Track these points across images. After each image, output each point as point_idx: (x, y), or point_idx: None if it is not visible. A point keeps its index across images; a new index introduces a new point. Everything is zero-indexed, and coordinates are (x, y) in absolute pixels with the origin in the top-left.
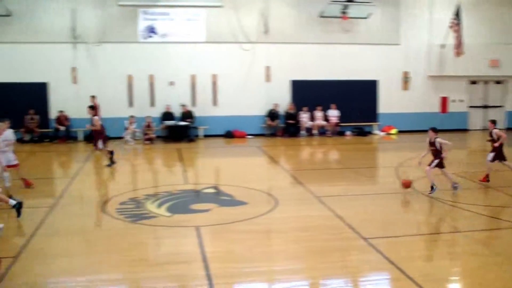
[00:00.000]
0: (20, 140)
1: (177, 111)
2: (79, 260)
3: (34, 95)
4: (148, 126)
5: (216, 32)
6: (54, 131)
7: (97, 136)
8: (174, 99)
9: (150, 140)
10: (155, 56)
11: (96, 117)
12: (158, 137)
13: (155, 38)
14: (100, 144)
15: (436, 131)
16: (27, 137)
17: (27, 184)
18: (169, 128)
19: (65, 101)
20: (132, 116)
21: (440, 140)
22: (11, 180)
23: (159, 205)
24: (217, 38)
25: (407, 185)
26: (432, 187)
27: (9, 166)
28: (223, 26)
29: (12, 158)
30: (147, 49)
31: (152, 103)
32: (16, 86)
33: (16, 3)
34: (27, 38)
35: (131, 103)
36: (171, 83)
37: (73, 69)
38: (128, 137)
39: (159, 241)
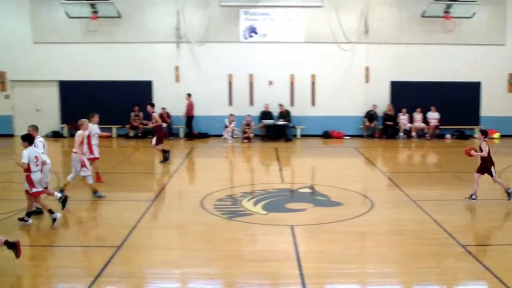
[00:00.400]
0: (125, 136)
1: (275, 111)
2: (176, 253)
3: (139, 92)
4: (248, 125)
5: (315, 32)
6: None
7: (154, 133)
8: (272, 99)
9: (248, 138)
10: (255, 56)
11: (155, 114)
12: (256, 136)
13: (255, 38)
14: (153, 140)
15: None
16: (131, 133)
17: (98, 180)
18: (267, 127)
19: (168, 99)
20: (231, 115)
21: None
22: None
23: (255, 203)
24: (316, 38)
25: (468, 152)
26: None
27: (92, 159)
28: (323, 26)
29: (96, 151)
30: (248, 48)
31: (251, 102)
32: (123, 84)
33: (125, 5)
34: (135, 38)
35: (230, 102)
36: (270, 83)
37: (176, 68)
38: (227, 135)
39: (254, 238)
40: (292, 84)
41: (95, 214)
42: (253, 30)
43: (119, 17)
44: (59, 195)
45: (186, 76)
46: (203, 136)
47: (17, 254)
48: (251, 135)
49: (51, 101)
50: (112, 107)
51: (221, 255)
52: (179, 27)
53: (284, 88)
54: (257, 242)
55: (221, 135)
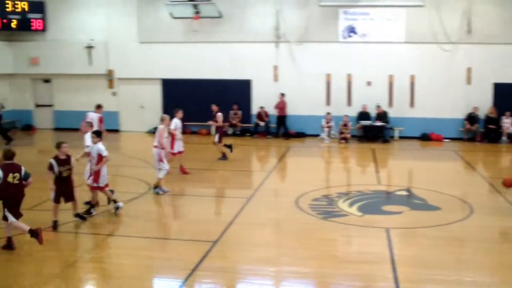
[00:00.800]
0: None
1: (373, 111)
2: (271, 251)
3: (239, 91)
4: (345, 125)
5: (416, 32)
6: (254, 126)
7: (218, 130)
8: (370, 99)
9: (345, 139)
10: (354, 56)
11: (220, 114)
12: (353, 136)
13: (354, 38)
14: (216, 137)
15: None
16: (230, 131)
17: (184, 172)
18: (365, 128)
19: (266, 98)
20: (328, 113)
21: None
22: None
23: (351, 204)
24: (416, 38)
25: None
26: None
27: (178, 153)
28: (423, 26)
29: (181, 145)
30: (346, 48)
31: (349, 103)
32: (223, 82)
33: (226, 5)
34: (235, 38)
35: (328, 102)
36: (369, 83)
37: (275, 67)
38: (324, 135)
39: (348, 239)
40: (390, 84)
41: (193, 209)
42: (352, 30)
43: (220, 17)
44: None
45: (284, 75)
46: (300, 135)
47: (39, 240)
48: (348, 135)
49: (154, 98)
50: (212, 105)
51: (315, 255)
52: (278, 27)
53: (382, 88)
54: (351, 243)
55: (318, 135)
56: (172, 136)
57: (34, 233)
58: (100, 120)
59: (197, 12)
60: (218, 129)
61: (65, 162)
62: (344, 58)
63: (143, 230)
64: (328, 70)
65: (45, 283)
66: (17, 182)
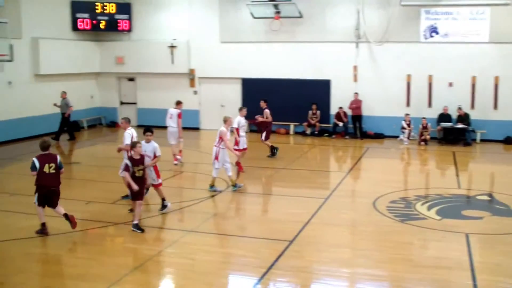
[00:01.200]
0: (302, 133)
1: (454, 113)
2: (347, 252)
3: (317, 91)
4: (424, 127)
5: (501, 32)
6: (332, 126)
7: (264, 128)
8: (452, 101)
9: (425, 141)
10: (435, 56)
11: (267, 110)
12: (433, 138)
13: (436, 38)
14: (263, 135)
15: None
16: (308, 130)
17: (240, 169)
18: (445, 130)
19: (345, 98)
20: (407, 114)
21: None
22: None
23: (429, 208)
24: (501, 37)
25: None
26: None
27: (243, 149)
28: (509, 26)
29: (245, 142)
30: (427, 49)
31: (429, 104)
32: (302, 82)
33: (307, 5)
34: (314, 38)
35: (408, 103)
36: (450, 84)
37: (354, 68)
38: (403, 136)
39: (425, 243)
40: (473, 86)
41: (270, 208)
42: (434, 30)
43: (301, 17)
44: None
45: (364, 75)
46: (379, 136)
47: (72, 226)
48: (428, 137)
49: (234, 97)
50: (291, 105)
51: (392, 258)
52: (358, 27)
53: (464, 90)
54: (429, 247)
55: (397, 136)
56: (236, 133)
57: (43, 228)
58: (179, 116)
59: (278, 12)
60: (264, 126)
61: (139, 161)
62: (425, 58)
63: (220, 228)
64: (409, 70)
65: (126, 275)
66: (53, 171)
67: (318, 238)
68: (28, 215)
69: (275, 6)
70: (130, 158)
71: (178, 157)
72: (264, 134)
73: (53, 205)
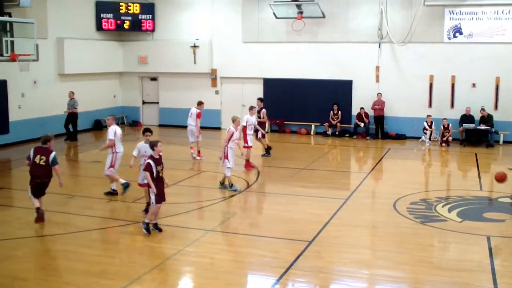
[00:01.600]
0: (323, 134)
1: (477, 115)
2: (367, 253)
3: (339, 92)
4: (446, 128)
5: None
6: (354, 127)
7: (262, 126)
8: (475, 102)
9: (447, 142)
10: (458, 57)
11: (264, 110)
12: (455, 140)
13: (460, 38)
14: (259, 134)
15: None
16: (329, 131)
17: (248, 167)
18: (467, 131)
19: (367, 99)
20: (429, 115)
21: None
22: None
23: (450, 209)
24: None
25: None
26: None
27: (250, 147)
28: None
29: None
30: (451, 49)
31: (452, 105)
32: (324, 82)
33: (330, 5)
34: (337, 38)
35: (430, 104)
36: (473, 85)
37: (377, 68)
38: (425, 137)
39: (446, 245)
40: (497, 86)
41: (290, 208)
42: (458, 30)
43: (323, 17)
44: (123, 180)
45: (386, 76)
46: (400, 137)
47: (36, 220)
48: (450, 138)
49: (256, 97)
50: (312, 105)
51: (412, 260)
52: (381, 27)
53: (487, 91)
54: (449, 249)
55: (419, 137)
56: (244, 131)
57: (38, 212)
58: (198, 115)
59: (301, 12)
60: (262, 125)
61: (159, 161)
62: (448, 59)
63: (240, 227)
64: (431, 71)
65: (146, 273)
66: (42, 164)
67: (338, 238)
68: (49, 213)
69: (298, 6)
70: (152, 158)
71: (197, 157)
72: (260, 132)
73: (42, 194)
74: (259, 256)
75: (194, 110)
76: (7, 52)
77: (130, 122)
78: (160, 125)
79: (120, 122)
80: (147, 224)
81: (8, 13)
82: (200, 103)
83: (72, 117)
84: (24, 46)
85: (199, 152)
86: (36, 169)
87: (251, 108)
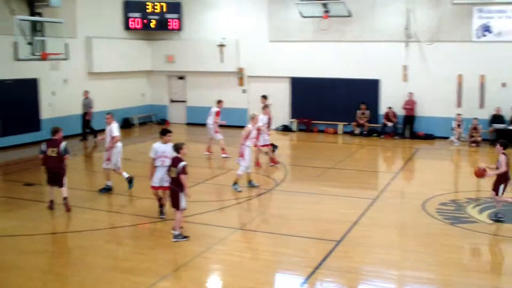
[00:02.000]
0: (350, 133)
1: (507, 114)
2: (395, 254)
3: (366, 91)
4: (475, 128)
5: None
6: (381, 126)
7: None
8: (505, 101)
9: (476, 142)
10: (488, 56)
11: (268, 109)
12: (484, 140)
13: (489, 37)
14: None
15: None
16: (357, 130)
17: (274, 162)
18: (497, 131)
19: (394, 98)
20: (459, 115)
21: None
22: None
23: (481, 211)
24: None
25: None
26: None
27: (263, 146)
28: None
29: (267, 138)
30: (480, 48)
31: (481, 105)
32: (351, 82)
33: (357, 4)
34: (363, 37)
35: (459, 103)
36: (503, 85)
37: (404, 67)
38: (453, 137)
39: (476, 247)
40: None
41: (318, 207)
42: (486, 29)
43: (350, 16)
44: (126, 175)
45: (414, 75)
46: (429, 137)
47: (66, 210)
48: (479, 139)
49: (283, 96)
50: (339, 104)
51: (441, 261)
52: (408, 26)
53: None
54: (479, 251)
55: (447, 137)
56: (258, 131)
57: (50, 205)
58: (217, 114)
59: (327, 11)
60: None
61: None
62: (477, 58)
63: (268, 226)
64: (460, 70)
65: (175, 270)
66: (54, 155)
67: (366, 238)
68: (84, 209)
69: (324, 5)
70: (181, 160)
71: (207, 153)
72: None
73: (59, 184)
74: (288, 255)
75: (213, 109)
76: (38, 51)
77: (158, 120)
78: (188, 124)
79: (148, 121)
80: (179, 233)
81: (39, 13)
82: (219, 102)
83: (86, 116)
84: (54, 46)
85: (210, 147)
86: (49, 161)
87: (264, 107)
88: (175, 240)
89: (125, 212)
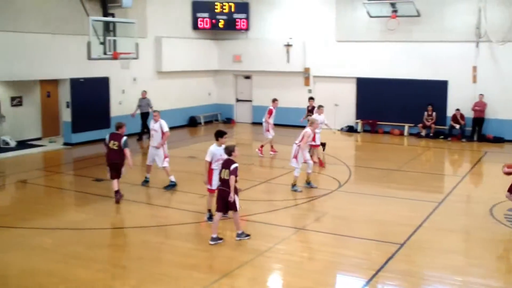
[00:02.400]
0: (416, 135)
1: None
2: (460, 259)
3: (434, 92)
4: None
5: None
6: (449, 128)
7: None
8: None
9: None
10: None
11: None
12: None
13: None
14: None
15: None
16: (423, 132)
17: (321, 165)
18: None
19: (462, 100)
20: None
21: None
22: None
23: None
24: None
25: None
26: None
27: (316, 146)
28: None
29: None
30: None
31: None
32: (418, 82)
33: (425, 4)
34: (432, 37)
35: None
36: None
37: (474, 68)
38: None
39: None
40: None
41: (381, 209)
42: None
43: (418, 15)
44: (173, 178)
45: (484, 76)
46: (498, 140)
47: (116, 201)
48: None
49: (348, 97)
50: (405, 105)
51: (507, 268)
52: (479, 26)
53: None
54: None
55: None
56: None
57: (116, 195)
58: (269, 112)
59: (395, 11)
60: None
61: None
62: None
63: (330, 227)
64: None
65: (237, 268)
66: (115, 148)
67: (430, 243)
68: (148, 205)
69: (392, 4)
70: (232, 162)
71: (271, 152)
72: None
73: (118, 176)
74: (349, 256)
75: (268, 109)
76: (110, 51)
77: (224, 119)
78: (253, 123)
79: (214, 120)
80: (242, 232)
81: (111, 13)
82: (274, 100)
83: (144, 116)
84: (125, 45)
85: (262, 146)
86: (110, 153)
87: (320, 107)
88: (238, 239)
89: (189, 209)
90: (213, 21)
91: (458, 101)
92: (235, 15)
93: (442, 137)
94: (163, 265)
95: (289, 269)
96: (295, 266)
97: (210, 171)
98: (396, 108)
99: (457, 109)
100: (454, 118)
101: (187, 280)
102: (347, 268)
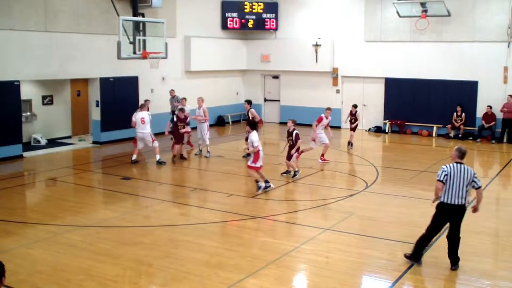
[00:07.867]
0: (445, 136)
1: None
2: (488, 262)
3: (463, 93)
4: None
5: None
6: (478, 130)
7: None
8: None
9: None
10: None
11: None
12: None
13: None
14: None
15: None
16: (452, 133)
17: (324, 160)
18: None
19: (493, 101)
20: None
21: None
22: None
23: None
24: None
25: None
26: None
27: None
28: None
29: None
30: None
31: None
32: (447, 83)
33: (456, 3)
34: (462, 37)
35: None
36: None
37: (505, 69)
38: None
39: None
40: None
41: (408, 211)
42: None
43: (449, 15)
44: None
45: None
46: None
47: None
48: None
49: (377, 97)
50: (434, 106)
51: None
52: (511, 25)
53: None
54: None
55: None
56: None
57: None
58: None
59: (425, 11)
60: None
61: None
62: None
63: (357, 227)
64: None
65: (262, 268)
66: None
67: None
68: (175, 204)
69: (422, 4)
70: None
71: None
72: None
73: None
74: (376, 257)
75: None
76: (139, 50)
77: None
78: (280, 123)
79: (242, 119)
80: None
81: (141, 13)
82: (327, 109)
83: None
84: (154, 45)
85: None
86: (176, 131)
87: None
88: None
89: (216, 208)
90: (243, 21)
91: (488, 102)
92: (264, 15)
93: (471, 138)
94: (189, 263)
95: (315, 269)
96: (320, 266)
97: (258, 152)
98: (425, 108)
99: (489, 106)
100: (485, 115)
101: (212, 279)
102: (373, 269)
